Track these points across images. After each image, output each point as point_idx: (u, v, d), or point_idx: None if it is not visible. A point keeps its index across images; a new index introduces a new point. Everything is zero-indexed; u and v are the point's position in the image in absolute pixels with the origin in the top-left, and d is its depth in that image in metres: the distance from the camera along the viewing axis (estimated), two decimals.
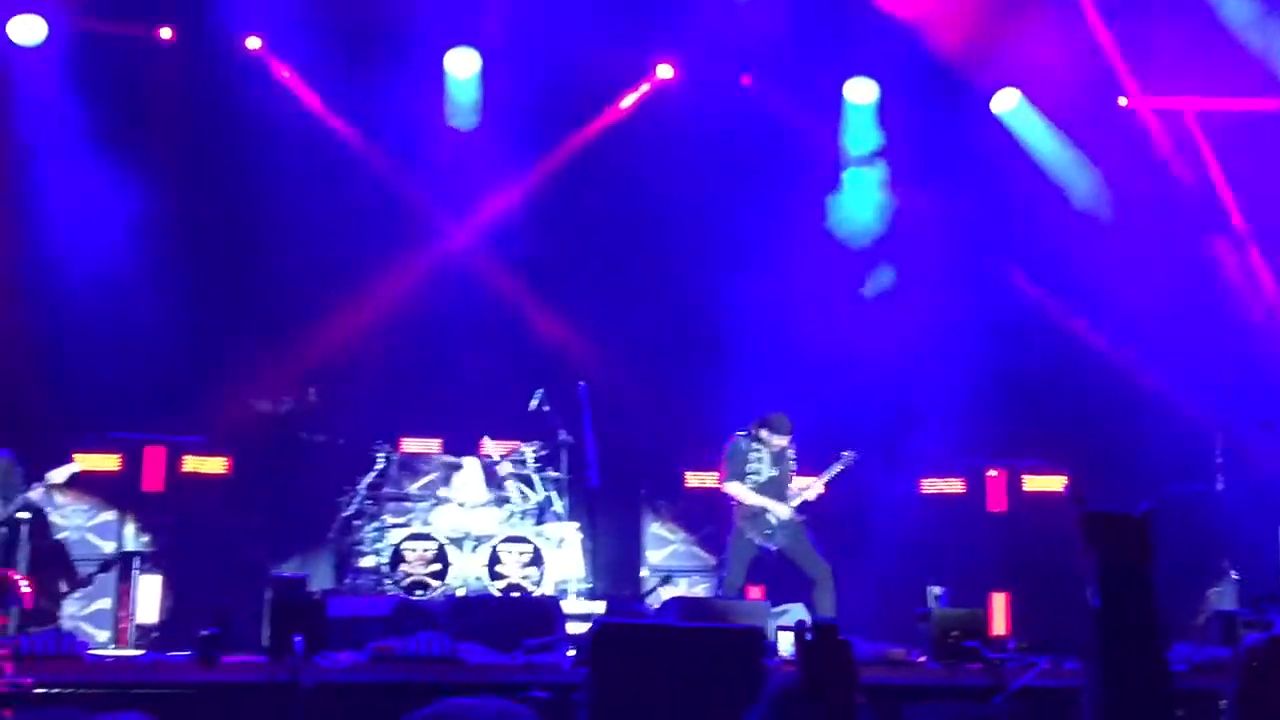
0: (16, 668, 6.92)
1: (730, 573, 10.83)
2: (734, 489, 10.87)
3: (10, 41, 12.64)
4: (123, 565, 11.97)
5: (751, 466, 10.84)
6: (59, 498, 11.81)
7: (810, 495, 10.87)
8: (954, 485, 13.07)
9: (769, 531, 10.74)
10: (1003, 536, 12.69)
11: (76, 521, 11.99)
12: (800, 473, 11.03)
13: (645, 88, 13.98)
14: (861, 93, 13.91)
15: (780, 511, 10.72)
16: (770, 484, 10.82)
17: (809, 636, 3.99)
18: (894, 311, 13.52)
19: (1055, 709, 8.17)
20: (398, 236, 13.49)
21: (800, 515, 10.82)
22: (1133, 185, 13.56)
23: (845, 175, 13.97)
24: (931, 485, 12.83)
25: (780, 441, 10.84)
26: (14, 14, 12.56)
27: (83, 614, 11.74)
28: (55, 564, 11.78)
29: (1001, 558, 12.54)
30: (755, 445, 10.88)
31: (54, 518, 11.86)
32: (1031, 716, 8.13)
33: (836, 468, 11.01)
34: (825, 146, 14.00)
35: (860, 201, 13.90)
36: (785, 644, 6.35)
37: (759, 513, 10.77)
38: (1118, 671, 3.57)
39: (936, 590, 10.20)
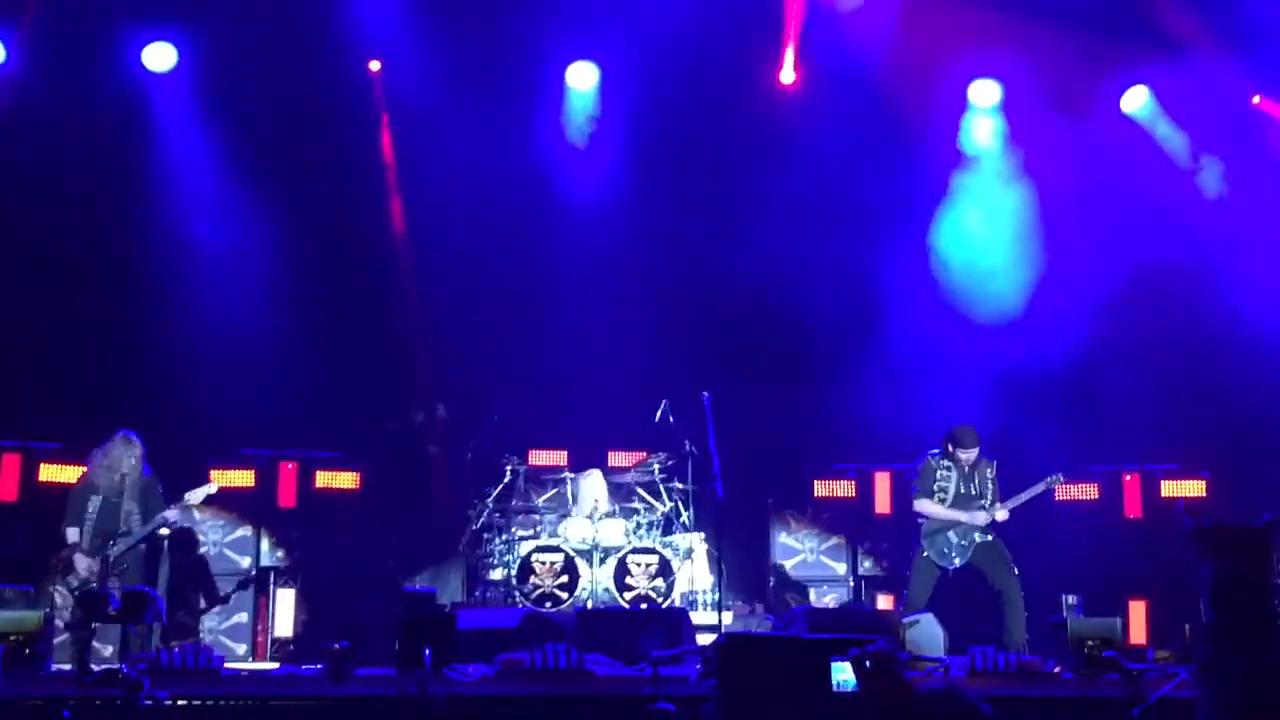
0: (155, 681, 7.04)
1: (912, 592, 10.74)
2: (923, 506, 10.74)
3: (145, 69, 12.96)
4: (259, 580, 12.21)
5: (940, 484, 10.71)
6: (197, 513, 12.07)
7: (1000, 515, 10.64)
8: (1089, 491, 12.82)
9: (947, 550, 10.62)
10: (1139, 543, 12.41)
11: (214, 537, 12.27)
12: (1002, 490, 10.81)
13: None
14: (984, 94, 13.70)
15: (976, 519, 10.58)
16: (961, 500, 10.67)
17: (868, 665, 3.93)
18: (1027, 315, 13.28)
19: None
20: (521, 254, 13.57)
21: (989, 535, 10.65)
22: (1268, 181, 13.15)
23: (967, 178, 13.80)
24: (1065, 491, 12.57)
25: (967, 455, 10.66)
26: (148, 42, 12.87)
27: (222, 628, 12.01)
28: (196, 579, 12.05)
29: (1138, 565, 12.27)
30: (945, 462, 10.75)
31: (193, 534, 12.13)
32: None
33: (1039, 488, 10.80)
34: (949, 148, 13.82)
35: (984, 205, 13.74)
36: (842, 674, 6.16)
37: (939, 531, 10.66)
38: (1228, 684, 3.44)
39: (1071, 599, 9.96)
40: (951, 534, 10.63)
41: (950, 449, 10.71)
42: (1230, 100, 13.28)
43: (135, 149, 13.09)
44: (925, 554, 10.69)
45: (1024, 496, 10.73)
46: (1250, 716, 3.40)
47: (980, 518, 10.57)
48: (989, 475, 10.75)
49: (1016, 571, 10.55)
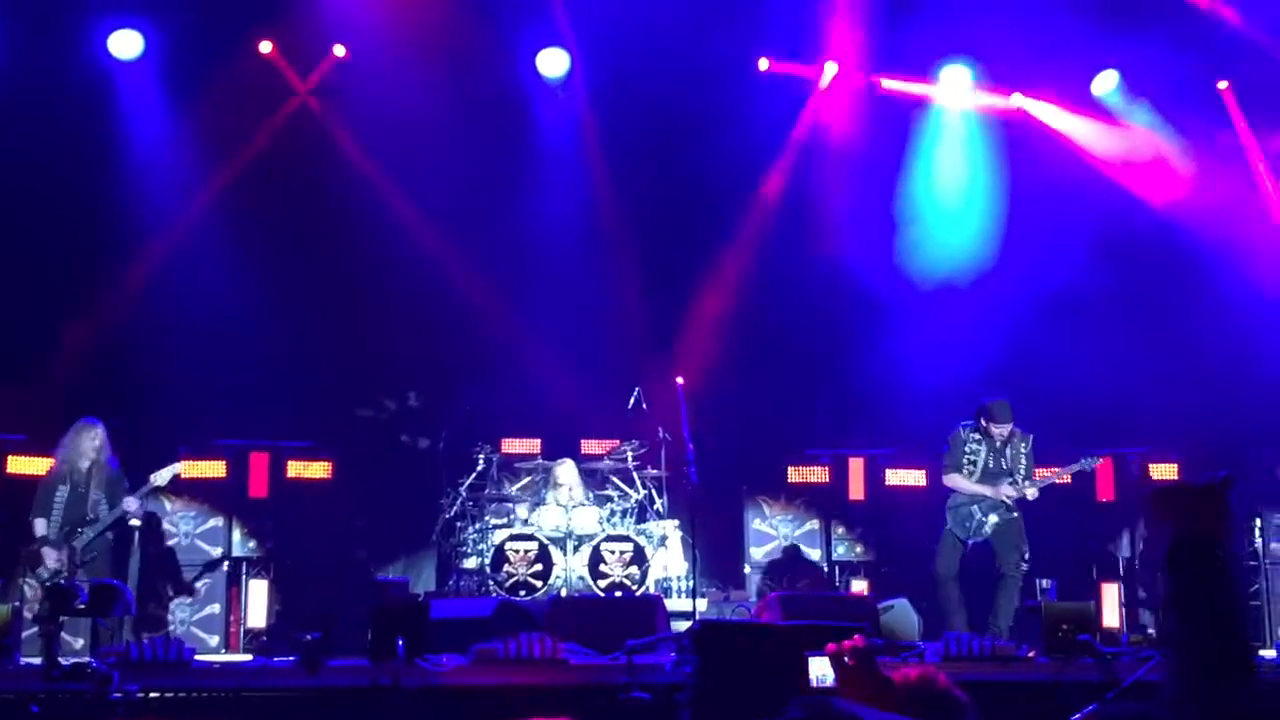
0: (125, 675, 6.97)
1: (940, 564, 10.69)
2: (950, 479, 10.73)
3: (111, 56, 12.85)
4: (232, 570, 12.12)
5: (970, 456, 10.66)
6: (167, 504, 11.97)
7: (1030, 493, 10.57)
8: (1061, 475, 12.80)
9: (968, 524, 10.60)
10: (1112, 527, 12.43)
11: (185, 528, 12.16)
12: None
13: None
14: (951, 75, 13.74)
15: (1003, 493, 10.50)
16: (989, 474, 10.62)
17: (846, 661, 3.89)
18: (997, 295, 13.29)
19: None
20: (492, 242, 13.50)
21: (1014, 512, 10.60)
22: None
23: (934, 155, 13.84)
24: (1038, 475, 12.57)
25: (1000, 430, 10.59)
26: (114, 29, 12.77)
27: (194, 619, 11.90)
28: (166, 571, 11.96)
29: (1111, 549, 12.29)
30: (975, 435, 10.70)
31: (163, 524, 12.04)
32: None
33: (1073, 469, 10.80)
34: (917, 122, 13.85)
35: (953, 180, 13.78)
36: (819, 669, 6.11)
37: (963, 504, 10.63)
38: (1191, 658, 3.40)
39: (1045, 583, 10.00)
40: (975, 508, 10.58)
41: (983, 422, 10.64)
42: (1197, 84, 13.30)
43: (102, 137, 12.97)
44: (948, 526, 10.67)
45: (1055, 477, 10.72)
46: (1207, 687, 3.37)
47: (1006, 491, 10.50)
48: (1023, 450, 10.67)
49: (1028, 557, 10.53)
